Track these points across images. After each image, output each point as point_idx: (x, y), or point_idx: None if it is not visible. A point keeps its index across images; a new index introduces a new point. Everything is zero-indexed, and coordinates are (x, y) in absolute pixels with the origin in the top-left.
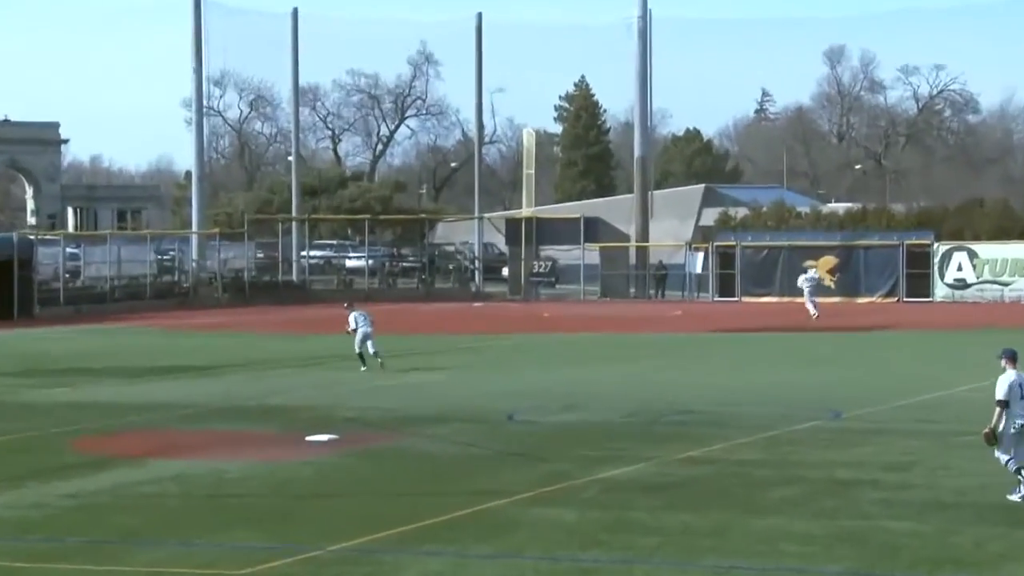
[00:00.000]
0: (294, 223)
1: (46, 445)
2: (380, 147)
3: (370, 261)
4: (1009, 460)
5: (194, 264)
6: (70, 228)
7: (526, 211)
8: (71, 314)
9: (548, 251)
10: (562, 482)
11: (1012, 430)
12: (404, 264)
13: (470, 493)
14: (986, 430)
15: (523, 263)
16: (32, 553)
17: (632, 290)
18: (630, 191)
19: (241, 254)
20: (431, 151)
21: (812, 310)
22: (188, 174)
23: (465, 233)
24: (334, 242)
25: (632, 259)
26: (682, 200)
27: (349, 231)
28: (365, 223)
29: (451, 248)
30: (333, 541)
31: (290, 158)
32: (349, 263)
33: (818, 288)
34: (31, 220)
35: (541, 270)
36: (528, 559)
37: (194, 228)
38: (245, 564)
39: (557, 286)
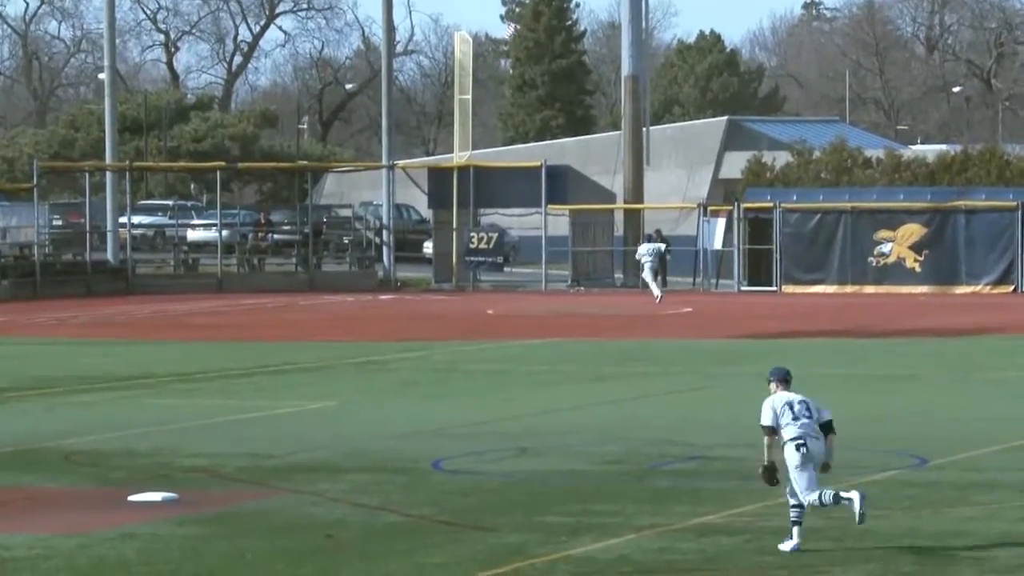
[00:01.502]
0: (108, 174)
1: None
2: (238, 59)
3: (225, 232)
4: (817, 494)
5: None
6: None
7: (459, 157)
8: None
9: (493, 217)
10: (514, 562)
11: (800, 455)
12: (276, 236)
13: None
14: (758, 463)
15: (455, 235)
16: None
17: (618, 275)
18: (615, 127)
19: (29, 221)
20: (315, 66)
21: (656, 291)
22: None
23: (367, 190)
24: (170, 203)
25: (619, 229)
26: (693, 140)
27: (192, 187)
28: (216, 175)
29: (347, 212)
30: None
31: (101, 76)
32: (192, 235)
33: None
34: None
35: (483, 245)
36: None
37: None
38: None
39: (507, 269)
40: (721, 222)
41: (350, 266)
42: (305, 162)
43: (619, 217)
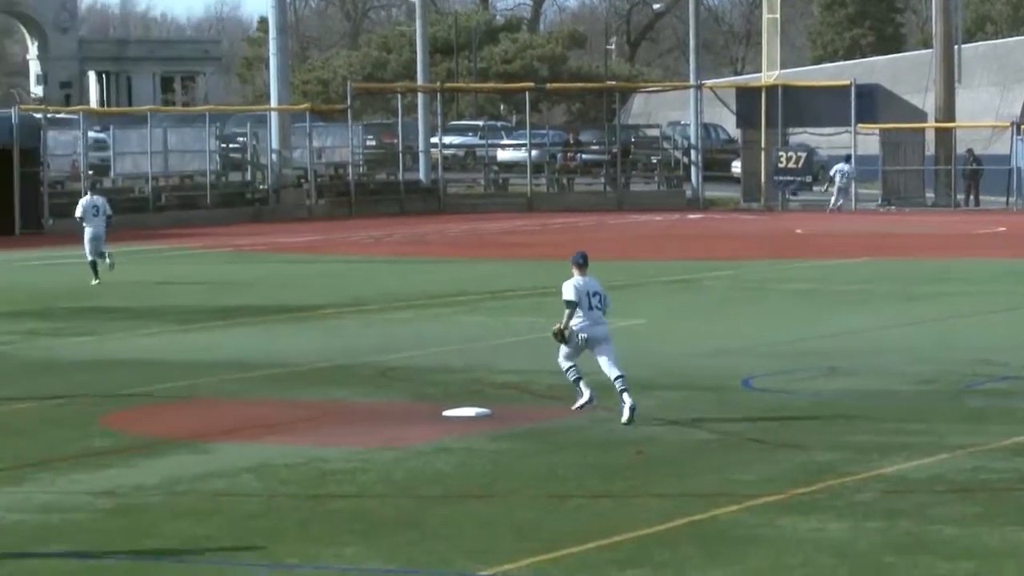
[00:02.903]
0: (420, 95)
1: (64, 421)
2: None
3: (534, 152)
4: (570, 369)
5: (274, 157)
6: (93, 103)
7: (767, 77)
8: None
9: (802, 136)
10: (825, 479)
11: (578, 342)
12: (585, 156)
13: (687, 495)
14: (556, 327)
15: (764, 154)
16: (53, 574)
17: (929, 194)
18: (926, 45)
19: (343, 141)
20: None
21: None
22: (263, 23)
23: (675, 110)
24: (480, 123)
25: (929, 148)
26: (1006, 58)
27: (502, 107)
28: (526, 96)
29: (654, 132)
30: (486, 562)
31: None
32: (502, 155)
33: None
34: (36, 90)
35: (791, 165)
36: None
37: (273, 103)
38: None
39: (816, 188)
40: None
41: (658, 185)
42: (613, 82)
43: (930, 136)
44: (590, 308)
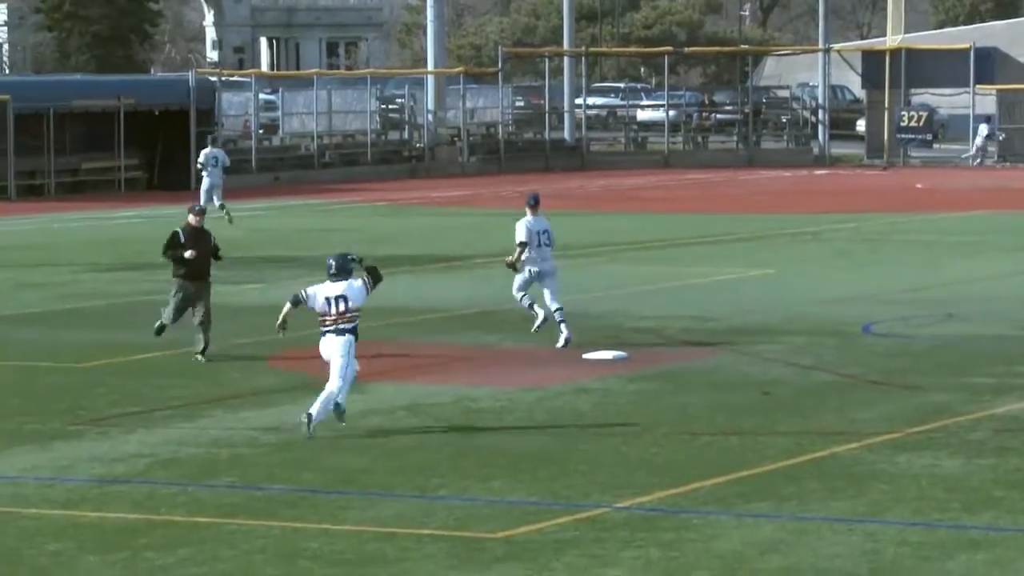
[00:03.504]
0: (566, 59)
1: (232, 362)
2: None
3: (671, 112)
4: (523, 297)
5: (430, 117)
6: (264, 66)
7: (891, 40)
8: (266, 184)
9: (923, 96)
10: (940, 419)
11: (527, 275)
12: (719, 116)
13: (810, 433)
14: (508, 259)
15: (887, 114)
16: (221, 505)
17: None
18: None
19: (494, 102)
20: None
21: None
22: None
23: (804, 72)
24: (621, 85)
25: None
26: None
27: (642, 70)
28: (664, 59)
29: (784, 93)
30: (621, 496)
31: None
32: (642, 115)
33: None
34: (212, 56)
35: (913, 123)
36: (892, 524)
37: (430, 66)
38: (504, 524)
39: (936, 146)
40: None
41: (787, 143)
42: (746, 46)
43: None
44: (539, 245)
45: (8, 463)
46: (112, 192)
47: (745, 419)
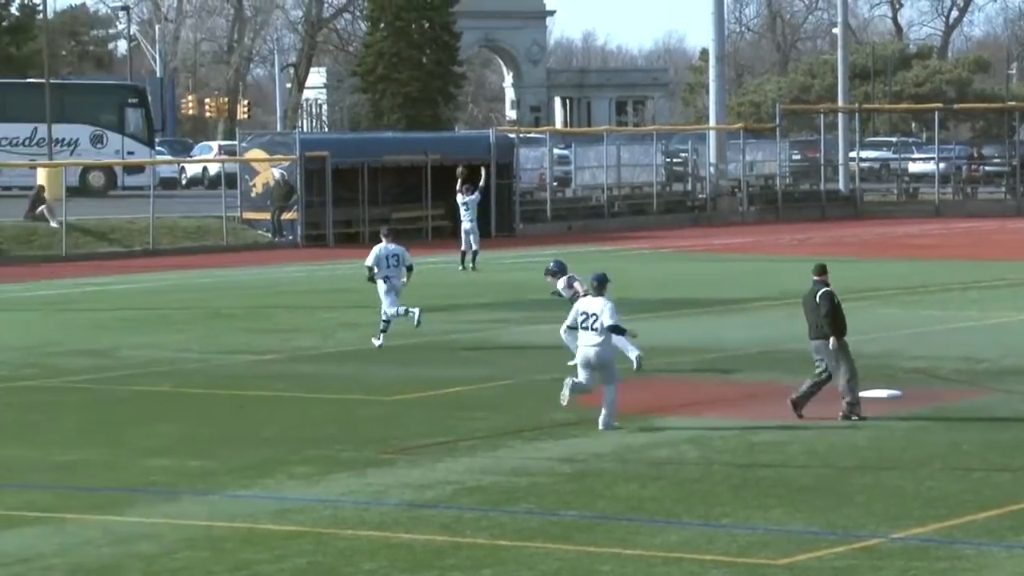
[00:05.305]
0: (840, 115)
1: (529, 396)
2: (954, 13)
3: (941, 165)
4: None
5: (712, 169)
6: (558, 123)
7: None
8: (559, 231)
9: None
10: None
11: (384, 286)
12: (987, 168)
13: None
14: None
15: None
16: (519, 529)
17: None
18: None
19: (772, 155)
20: None
21: None
22: (704, 53)
23: None
24: (893, 139)
25: None
26: None
27: (913, 125)
28: (935, 115)
29: None
30: (896, 527)
31: (835, 30)
32: (913, 167)
33: None
34: (510, 114)
35: None
36: None
37: (712, 122)
38: (785, 552)
39: None
40: None
41: None
42: (1013, 103)
43: None
44: (389, 266)
45: (327, 488)
46: (420, 239)
47: (1017, 456)
